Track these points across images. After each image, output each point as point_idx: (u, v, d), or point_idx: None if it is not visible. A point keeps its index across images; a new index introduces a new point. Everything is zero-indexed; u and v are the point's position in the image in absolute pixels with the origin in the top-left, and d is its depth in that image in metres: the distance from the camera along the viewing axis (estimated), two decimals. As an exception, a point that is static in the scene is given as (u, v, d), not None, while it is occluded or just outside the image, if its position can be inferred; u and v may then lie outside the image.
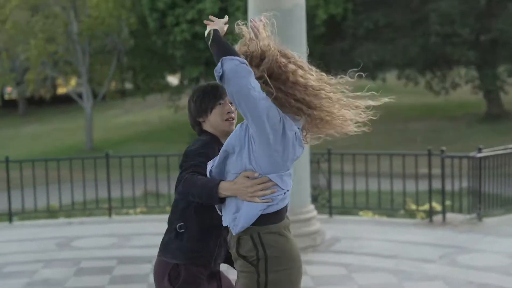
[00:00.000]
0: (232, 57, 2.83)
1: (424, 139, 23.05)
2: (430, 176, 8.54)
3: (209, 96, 3.28)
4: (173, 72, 31.88)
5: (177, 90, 29.71)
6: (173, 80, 35.33)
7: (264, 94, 2.85)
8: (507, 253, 6.99)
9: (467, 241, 7.47)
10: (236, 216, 2.93)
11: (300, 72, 2.99)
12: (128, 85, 35.54)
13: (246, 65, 2.83)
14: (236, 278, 3.10)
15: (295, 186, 7.35)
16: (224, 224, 3.03)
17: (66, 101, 36.58)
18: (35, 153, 24.66)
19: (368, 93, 3.11)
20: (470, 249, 7.17)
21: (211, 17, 3.14)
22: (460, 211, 8.72)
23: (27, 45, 26.05)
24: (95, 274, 6.69)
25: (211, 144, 3.21)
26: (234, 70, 2.79)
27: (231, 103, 3.28)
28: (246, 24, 3.11)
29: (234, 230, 2.94)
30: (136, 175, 9.61)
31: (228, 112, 3.28)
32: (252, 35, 3.05)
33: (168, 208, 8.16)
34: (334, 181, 9.28)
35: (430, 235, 7.82)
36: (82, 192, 9.59)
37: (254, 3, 7.26)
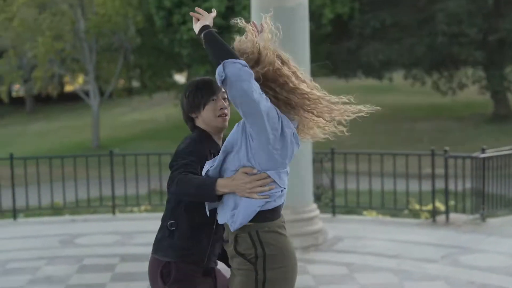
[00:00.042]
0: (234, 60, 2.82)
1: (430, 139, 22.99)
2: (433, 176, 8.53)
3: (202, 92, 3.24)
4: (179, 70, 31.91)
5: (182, 88, 29.75)
6: (180, 78, 35.36)
7: (264, 95, 2.87)
8: (510, 253, 6.98)
9: (470, 241, 7.46)
10: (235, 213, 2.95)
11: (292, 77, 3.01)
12: (135, 83, 35.60)
13: (247, 67, 2.84)
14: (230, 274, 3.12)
15: (298, 185, 7.43)
16: (220, 222, 3.04)
17: (73, 99, 36.69)
18: (41, 151, 24.73)
19: (347, 100, 3.08)
20: (472, 249, 7.16)
21: (198, 9, 3.11)
22: (464, 211, 8.70)
23: (35, 43, 26.11)
24: (97, 272, 6.72)
25: (201, 141, 3.18)
26: (237, 74, 2.79)
27: (224, 99, 3.25)
28: (249, 20, 3.11)
29: (232, 227, 2.94)
30: (140, 173, 9.64)
31: (221, 108, 3.23)
32: (253, 35, 3.05)
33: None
34: (337, 181, 9.28)
35: (433, 235, 7.81)
36: (86, 189, 9.62)
37: (257, 2, 7.27)
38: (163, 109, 33.94)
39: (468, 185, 8.76)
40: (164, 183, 10.03)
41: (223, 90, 3.23)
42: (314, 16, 25.85)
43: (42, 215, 10.02)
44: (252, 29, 3.09)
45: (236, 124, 3.00)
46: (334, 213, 8.98)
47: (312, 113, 3.04)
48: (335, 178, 9.09)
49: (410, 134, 25.34)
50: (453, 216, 8.53)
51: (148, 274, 3.28)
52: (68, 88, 40.38)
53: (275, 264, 2.96)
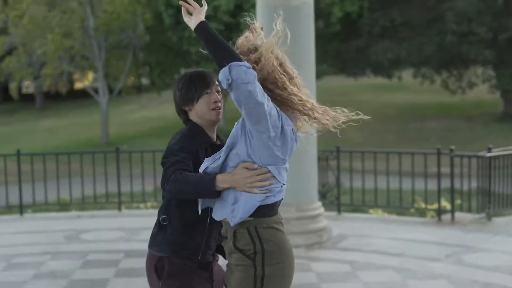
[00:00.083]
0: (239, 63, 2.80)
1: (439, 138, 22.94)
2: (439, 175, 8.51)
3: (195, 85, 3.18)
4: (188, 67, 31.94)
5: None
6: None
7: (266, 96, 2.89)
8: (514, 253, 6.96)
9: (475, 240, 7.44)
10: (235, 208, 2.95)
11: (290, 84, 3.02)
12: (144, 81, 35.68)
13: (251, 69, 2.83)
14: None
15: (303, 183, 7.43)
16: (217, 219, 3.04)
17: (83, 96, 36.82)
18: (51, 147, 24.84)
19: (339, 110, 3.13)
20: (477, 248, 7.13)
21: (190, 0, 3.02)
22: (470, 210, 8.67)
23: (44, 40, 26.23)
24: (101, 267, 6.74)
25: (191, 136, 3.15)
26: (243, 78, 2.78)
27: (217, 92, 3.21)
28: (253, 18, 3.10)
29: (232, 222, 2.95)
30: (146, 170, 9.66)
31: (215, 102, 3.18)
32: (256, 37, 3.05)
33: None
34: (343, 179, 9.27)
35: (438, 234, 7.79)
36: (92, 186, 9.66)
37: (263, 1, 7.26)
38: (172, 107, 33.50)
39: (474, 184, 8.73)
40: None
41: (217, 83, 3.21)
42: (323, 14, 25.85)
43: (49, 210, 10.07)
44: (256, 32, 3.09)
45: (236, 122, 3.01)
46: (339, 211, 8.98)
47: (308, 115, 3.06)
48: (340, 176, 9.08)
49: (419, 133, 25.28)
50: (458, 215, 8.50)
51: (146, 268, 3.28)
52: (78, 85, 40.51)
53: (273, 260, 2.97)
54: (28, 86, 43.30)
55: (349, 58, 27.47)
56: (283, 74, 3.01)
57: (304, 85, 3.10)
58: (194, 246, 3.15)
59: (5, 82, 36.05)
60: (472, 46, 24.86)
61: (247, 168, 2.93)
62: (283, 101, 3.01)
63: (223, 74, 2.80)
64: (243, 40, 3.06)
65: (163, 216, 3.18)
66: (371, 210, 9.46)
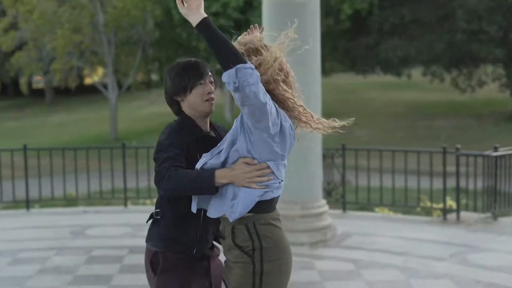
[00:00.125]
0: (245, 65, 2.78)
1: (449, 136, 22.86)
2: (444, 174, 8.49)
3: (189, 75, 3.11)
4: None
5: (201, 83, 29.79)
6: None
7: (268, 96, 2.89)
8: (519, 253, 6.93)
9: (479, 240, 7.41)
10: (234, 203, 2.96)
11: (290, 92, 3.06)
12: (154, 77, 35.74)
13: (255, 70, 2.83)
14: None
15: (307, 181, 7.42)
16: (214, 216, 3.04)
17: (93, 91, 36.94)
18: (60, 142, 24.92)
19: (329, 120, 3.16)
20: (482, 248, 7.11)
21: None
22: (475, 210, 8.64)
23: (54, 35, 26.32)
24: (106, 263, 6.77)
25: (181, 130, 3.10)
26: (249, 80, 2.77)
27: (211, 83, 3.16)
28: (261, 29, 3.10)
29: (232, 217, 2.96)
30: (152, 166, 9.67)
31: (209, 93, 3.13)
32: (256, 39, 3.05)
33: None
34: (348, 177, 9.26)
35: (443, 233, 7.77)
36: (98, 181, 9.69)
37: (269, -3, 7.26)
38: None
39: (480, 183, 8.70)
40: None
41: (210, 73, 3.18)
42: (333, 11, 25.80)
43: (55, 206, 10.12)
44: (253, 32, 3.11)
45: (235, 120, 3.02)
46: (344, 209, 8.97)
47: (300, 119, 3.10)
48: (346, 174, 9.07)
49: (428, 131, 25.21)
50: (464, 214, 8.47)
51: (144, 264, 3.29)
52: (88, 81, 40.64)
53: (271, 257, 2.98)
54: (39, 81, 43.49)
55: (358, 56, 27.41)
56: (282, 78, 3.02)
57: (297, 87, 3.11)
58: (188, 240, 3.13)
59: (15, 77, 36.21)
60: (482, 44, 24.75)
61: (247, 164, 2.94)
62: (279, 101, 3.03)
63: (229, 77, 2.78)
64: (242, 39, 3.06)
65: (156, 210, 3.18)
66: (377, 209, 9.45)
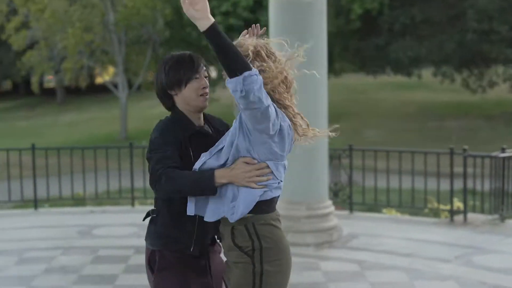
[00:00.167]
0: (251, 72, 2.77)
1: (459, 137, 22.75)
2: (452, 175, 8.46)
3: (184, 69, 3.06)
4: (208, 63, 31.92)
5: (211, 82, 29.80)
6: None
7: (269, 97, 2.89)
8: (526, 255, 6.90)
9: (486, 242, 7.38)
10: (235, 204, 2.97)
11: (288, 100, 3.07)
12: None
13: (259, 75, 2.83)
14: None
15: (313, 181, 7.42)
16: (211, 219, 3.02)
17: (103, 91, 37.03)
18: (71, 142, 25.01)
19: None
20: (488, 250, 7.08)
21: None
22: (483, 211, 8.60)
23: (65, 34, 26.40)
24: (111, 263, 6.80)
25: (172, 127, 3.05)
26: (253, 87, 2.77)
27: (205, 77, 3.12)
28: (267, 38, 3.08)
29: (233, 218, 2.96)
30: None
31: (204, 87, 3.09)
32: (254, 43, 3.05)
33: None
34: (355, 177, 9.24)
35: (449, 235, 7.75)
36: (106, 181, 9.72)
37: (275, -3, 7.26)
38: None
39: (487, 185, 8.66)
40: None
41: (204, 67, 3.14)
42: (343, 11, 25.74)
43: (64, 205, 10.16)
44: (253, 34, 3.11)
45: (234, 121, 3.03)
46: (351, 210, 8.95)
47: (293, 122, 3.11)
48: (353, 174, 9.05)
49: (438, 132, 25.10)
50: (471, 216, 8.43)
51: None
52: (98, 80, 40.77)
53: (271, 257, 2.99)
54: (50, 80, 43.65)
55: (368, 56, 27.33)
56: (285, 89, 3.04)
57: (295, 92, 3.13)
58: (185, 238, 3.09)
59: (26, 76, 36.37)
60: (493, 44, 24.61)
61: (246, 163, 2.94)
62: (279, 104, 3.04)
63: (235, 85, 2.76)
64: (243, 40, 3.06)
65: (153, 209, 3.17)
66: (384, 210, 9.42)
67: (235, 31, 23.15)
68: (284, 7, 7.13)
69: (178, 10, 26.84)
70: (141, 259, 6.82)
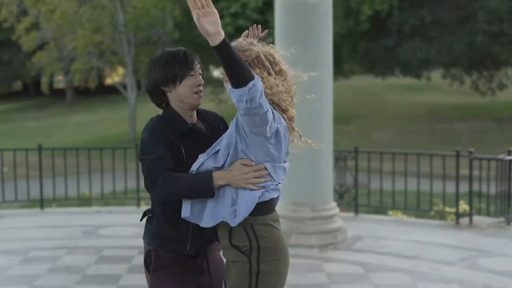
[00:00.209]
0: (254, 81, 2.77)
1: (468, 140, 22.66)
2: (457, 178, 8.42)
3: (180, 65, 3.01)
4: (217, 65, 32.05)
5: (220, 84, 29.82)
6: (217, 73, 35.50)
7: (268, 103, 2.90)
8: (531, 258, 6.85)
9: (491, 245, 7.35)
10: (235, 208, 2.96)
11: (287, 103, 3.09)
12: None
13: (261, 82, 2.84)
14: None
15: (318, 183, 7.41)
16: (208, 226, 3.00)
17: (113, 92, 37.11)
18: (80, 142, 25.09)
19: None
20: (493, 253, 7.05)
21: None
22: (488, 214, 8.56)
23: (75, 35, 26.50)
24: (115, 263, 6.81)
25: (164, 126, 3.02)
26: (256, 95, 2.77)
27: (200, 75, 3.09)
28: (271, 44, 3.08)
29: (235, 222, 2.95)
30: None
31: (198, 85, 3.05)
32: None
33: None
34: (361, 179, 9.21)
35: (455, 237, 7.71)
36: (112, 181, 9.75)
37: (281, -2, 7.25)
38: (203, 104, 34.09)
39: (494, 187, 8.61)
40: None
41: (199, 64, 3.11)
42: (353, 13, 25.70)
43: (70, 205, 10.20)
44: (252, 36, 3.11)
45: (231, 123, 3.03)
46: (356, 212, 8.93)
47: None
48: (358, 176, 9.03)
49: (447, 134, 25.01)
50: (477, 218, 8.40)
51: None
52: (108, 81, 40.88)
53: (268, 257, 2.99)
54: (60, 81, 43.79)
55: (378, 57, 27.26)
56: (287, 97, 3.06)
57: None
58: (180, 237, 3.06)
59: (36, 77, 36.51)
60: (503, 46, 24.49)
61: (244, 165, 2.94)
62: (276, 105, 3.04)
63: (241, 95, 2.76)
64: (245, 45, 3.05)
65: (148, 208, 3.16)
66: (390, 212, 9.40)
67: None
68: (289, 8, 7.12)
69: (187, 12, 26.87)
70: (145, 259, 6.88)
